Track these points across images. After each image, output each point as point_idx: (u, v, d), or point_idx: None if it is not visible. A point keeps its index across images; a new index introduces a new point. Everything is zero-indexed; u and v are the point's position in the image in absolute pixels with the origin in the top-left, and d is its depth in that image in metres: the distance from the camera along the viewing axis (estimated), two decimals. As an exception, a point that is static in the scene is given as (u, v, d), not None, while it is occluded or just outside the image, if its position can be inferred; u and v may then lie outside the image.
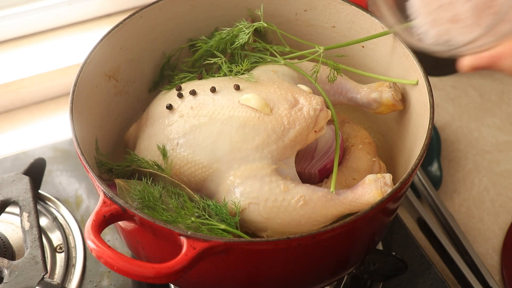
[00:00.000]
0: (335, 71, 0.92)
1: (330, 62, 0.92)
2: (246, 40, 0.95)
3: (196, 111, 0.86)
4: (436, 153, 1.21)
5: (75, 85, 0.86)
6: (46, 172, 1.11)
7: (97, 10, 1.39)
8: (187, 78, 0.96)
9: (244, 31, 0.96)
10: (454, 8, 0.70)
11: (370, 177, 0.82)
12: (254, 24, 0.97)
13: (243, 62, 0.94)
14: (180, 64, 1.03)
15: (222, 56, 0.96)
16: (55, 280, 0.98)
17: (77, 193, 1.12)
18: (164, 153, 0.87)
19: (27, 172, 1.04)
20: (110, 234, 1.05)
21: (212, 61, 0.96)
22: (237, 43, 0.96)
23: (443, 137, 1.25)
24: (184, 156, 0.85)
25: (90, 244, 0.70)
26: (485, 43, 0.69)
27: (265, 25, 0.96)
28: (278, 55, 0.96)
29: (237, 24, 0.97)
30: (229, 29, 0.98)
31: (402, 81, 0.93)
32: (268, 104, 0.85)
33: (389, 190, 0.80)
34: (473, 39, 0.69)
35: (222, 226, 0.80)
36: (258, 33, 1.01)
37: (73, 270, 1.00)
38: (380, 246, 1.04)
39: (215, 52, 0.97)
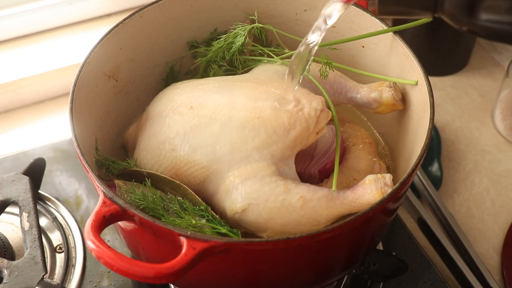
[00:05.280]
0: (327, 67, 0.92)
1: (322, 59, 0.91)
2: (243, 41, 0.96)
3: (196, 111, 0.86)
4: (436, 153, 1.21)
5: (74, 85, 0.86)
6: (46, 172, 1.11)
7: (97, 10, 1.39)
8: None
9: (240, 33, 0.96)
10: None
11: (370, 177, 0.82)
12: (250, 25, 0.98)
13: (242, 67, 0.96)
14: (183, 72, 1.04)
15: (224, 63, 0.97)
16: (54, 280, 0.98)
17: (77, 193, 1.12)
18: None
19: (27, 172, 1.04)
20: (110, 234, 1.05)
21: (214, 70, 0.98)
22: (234, 47, 0.97)
23: (443, 137, 1.25)
24: (183, 156, 0.85)
25: (90, 244, 0.70)
26: None
27: (261, 25, 0.96)
28: (274, 56, 0.96)
29: (233, 28, 0.98)
30: (225, 36, 0.98)
31: (402, 81, 0.93)
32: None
33: (389, 190, 0.80)
34: None
35: (224, 230, 0.80)
36: (257, 36, 1.01)
37: (73, 270, 1.00)
38: (380, 246, 1.04)
39: (215, 59, 0.98)
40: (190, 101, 0.88)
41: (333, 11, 0.79)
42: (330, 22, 0.80)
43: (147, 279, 0.68)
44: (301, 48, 0.82)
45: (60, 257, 1.02)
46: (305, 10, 1.02)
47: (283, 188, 0.81)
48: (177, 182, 0.85)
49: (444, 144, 1.24)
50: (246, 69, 0.99)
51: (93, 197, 1.11)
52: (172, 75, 1.05)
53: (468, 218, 1.13)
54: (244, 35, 0.97)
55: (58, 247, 1.03)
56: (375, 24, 0.95)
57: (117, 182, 0.84)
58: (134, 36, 0.97)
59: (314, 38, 0.81)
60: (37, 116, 1.30)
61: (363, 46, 0.99)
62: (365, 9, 0.96)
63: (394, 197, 0.76)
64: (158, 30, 1.00)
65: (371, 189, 0.81)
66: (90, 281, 0.99)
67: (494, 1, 0.65)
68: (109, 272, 1.00)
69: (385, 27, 0.94)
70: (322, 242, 0.74)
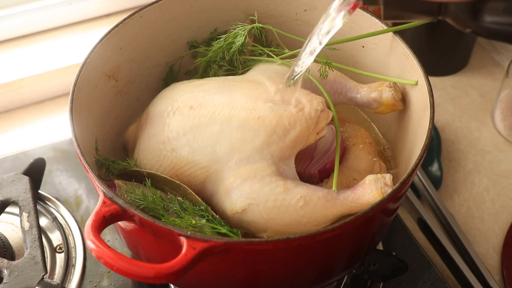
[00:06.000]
0: (327, 67, 0.92)
1: (322, 59, 0.91)
2: (243, 41, 0.96)
3: (196, 111, 0.86)
4: (436, 153, 1.21)
5: (74, 85, 0.86)
6: (46, 172, 1.11)
7: (97, 10, 1.39)
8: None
9: (240, 33, 0.97)
10: None
11: (370, 177, 0.82)
12: (250, 25, 0.98)
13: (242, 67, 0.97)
14: (183, 72, 1.04)
15: (224, 63, 0.97)
16: (54, 280, 0.98)
17: (77, 193, 1.12)
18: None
19: (27, 172, 1.04)
20: (110, 234, 1.05)
21: (214, 70, 0.98)
22: (234, 47, 0.97)
23: (443, 137, 1.25)
24: (184, 157, 0.85)
25: (90, 244, 0.70)
26: None
27: (261, 25, 0.96)
28: (274, 56, 0.96)
29: (232, 28, 0.98)
30: (225, 36, 0.98)
31: (402, 81, 0.93)
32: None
33: (389, 190, 0.80)
34: None
35: (224, 230, 0.80)
36: (257, 37, 1.01)
37: (73, 270, 1.00)
38: (380, 246, 1.04)
39: (215, 59, 0.98)
40: (190, 101, 0.88)
41: (336, 20, 0.78)
42: (332, 33, 0.79)
43: (147, 279, 0.68)
44: (299, 61, 0.82)
45: (60, 257, 1.02)
46: (305, 10, 1.02)
47: (283, 188, 0.81)
48: (177, 182, 0.85)
49: (444, 144, 1.24)
50: (246, 69, 0.99)
51: (93, 197, 1.11)
52: (172, 75, 1.05)
53: (468, 218, 1.13)
54: (244, 35, 0.97)
55: (58, 247, 1.03)
56: (375, 24, 0.95)
57: (117, 182, 0.84)
58: (134, 36, 0.97)
59: (310, 57, 0.81)
60: (37, 116, 1.30)
61: (363, 46, 0.99)
62: (365, 9, 0.96)
63: (394, 197, 0.76)
64: (158, 30, 1.00)
65: (371, 189, 0.81)
66: (90, 281, 0.99)
67: (498, 4, 0.66)
68: (109, 272, 1.00)
69: (385, 27, 0.94)
70: (322, 242, 0.74)
